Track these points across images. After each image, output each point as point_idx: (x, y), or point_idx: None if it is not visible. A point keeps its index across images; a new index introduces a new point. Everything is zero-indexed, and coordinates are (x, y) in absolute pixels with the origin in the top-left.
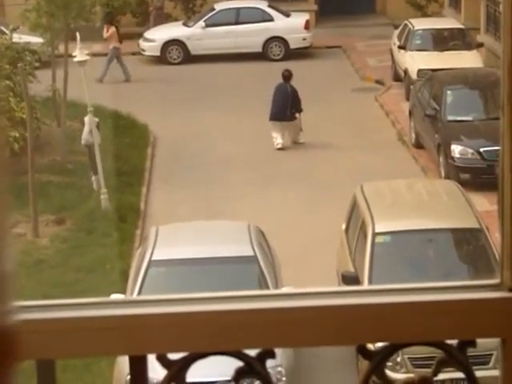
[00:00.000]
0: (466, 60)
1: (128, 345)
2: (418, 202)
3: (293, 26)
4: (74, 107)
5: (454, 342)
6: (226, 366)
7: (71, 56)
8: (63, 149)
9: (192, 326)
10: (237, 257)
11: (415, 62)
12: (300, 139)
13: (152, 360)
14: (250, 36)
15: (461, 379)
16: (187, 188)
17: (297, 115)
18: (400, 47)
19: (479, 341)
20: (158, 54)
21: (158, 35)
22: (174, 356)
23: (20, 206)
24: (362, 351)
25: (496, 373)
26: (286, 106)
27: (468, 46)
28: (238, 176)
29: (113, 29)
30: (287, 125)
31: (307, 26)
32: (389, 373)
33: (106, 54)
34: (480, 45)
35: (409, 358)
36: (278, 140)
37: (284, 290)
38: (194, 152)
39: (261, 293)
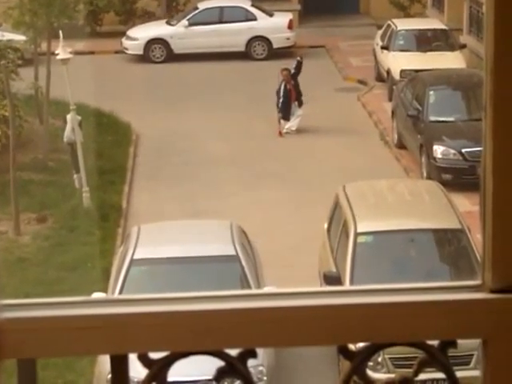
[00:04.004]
0: (449, 61)
1: (109, 344)
2: (400, 203)
3: (276, 25)
4: (57, 105)
5: (435, 342)
6: (208, 365)
7: (54, 54)
8: (45, 147)
9: (173, 325)
10: (218, 256)
11: (398, 62)
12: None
13: (133, 359)
14: (233, 35)
15: (442, 379)
16: (170, 186)
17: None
18: (383, 47)
19: (460, 341)
20: (141, 52)
21: (141, 34)
22: (155, 355)
23: (1, 203)
24: (344, 351)
25: (477, 373)
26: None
27: (451, 46)
28: (222, 174)
29: None
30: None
31: (290, 26)
32: (370, 373)
33: (89, 53)
34: (463, 46)
35: (390, 358)
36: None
37: (266, 289)
38: (177, 150)
39: (242, 292)
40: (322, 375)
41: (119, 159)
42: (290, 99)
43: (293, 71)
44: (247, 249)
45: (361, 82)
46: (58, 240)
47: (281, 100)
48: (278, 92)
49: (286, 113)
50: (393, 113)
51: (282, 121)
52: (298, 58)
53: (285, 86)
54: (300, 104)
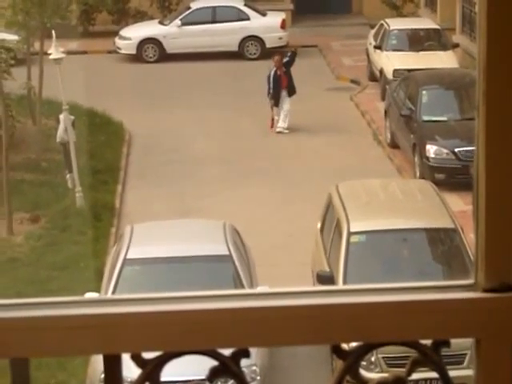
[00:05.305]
0: (442, 60)
1: (102, 344)
2: (393, 202)
3: (269, 25)
4: (50, 105)
5: (428, 341)
6: (201, 365)
7: (47, 54)
8: (38, 147)
9: (167, 325)
10: (212, 256)
11: (391, 61)
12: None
13: (127, 359)
14: (226, 35)
15: (435, 379)
16: (163, 186)
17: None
18: (376, 47)
19: (453, 340)
20: (134, 52)
21: (133, 33)
22: (148, 355)
23: None
24: (337, 351)
25: (470, 372)
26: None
27: (443, 46)
28: (214, 173)
29: None
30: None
31: (283, 26)
32: (363, 372)
33: (82, 52)
34: (455, 45)
35: (383, 357)
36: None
37: (259, 289)
38: (170, 149)
39: (236, 292)
40: (315, 374)
41: (112, 159)
42: (280, 85)
43: (286, 59)
44: (240, 248)
45: (353, 81)
46: (50, 240)
47: (271, 86)
48: (268, 77)
49: (276, 99)
50: (386, 112)
51: (274, 108)
52: (293, 49)
53: (275, 72)
54: (290, 94)
